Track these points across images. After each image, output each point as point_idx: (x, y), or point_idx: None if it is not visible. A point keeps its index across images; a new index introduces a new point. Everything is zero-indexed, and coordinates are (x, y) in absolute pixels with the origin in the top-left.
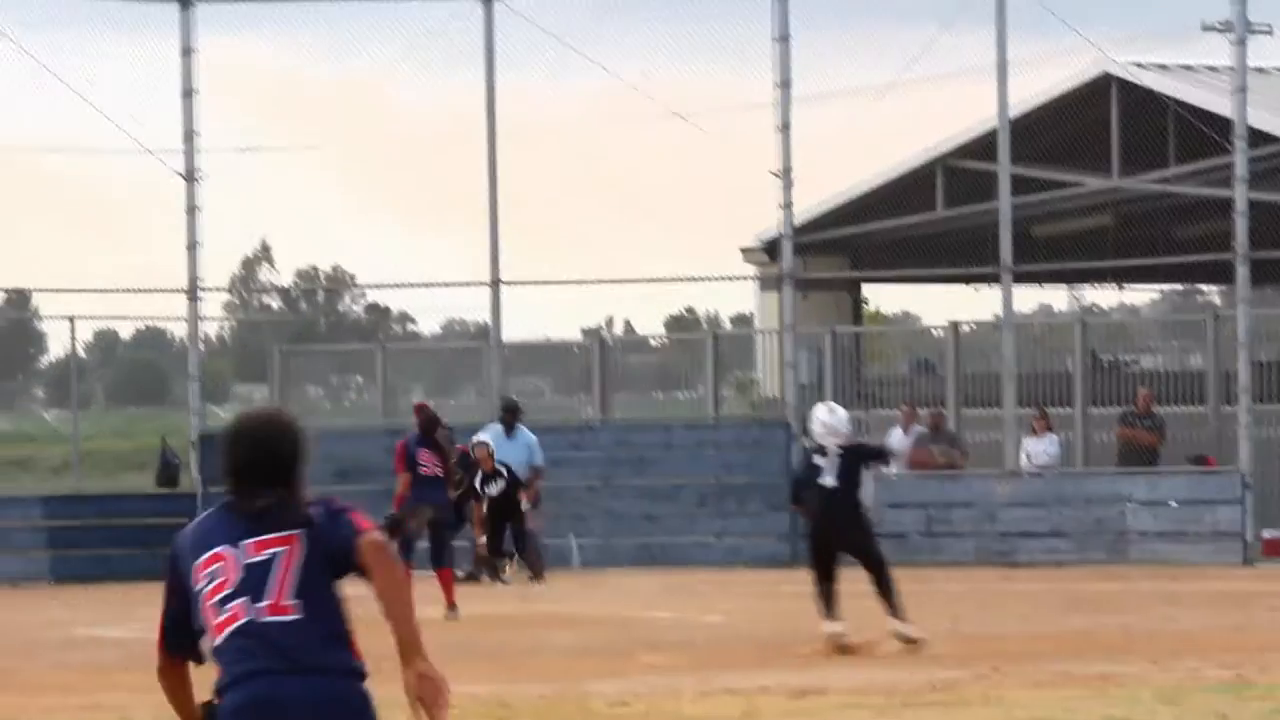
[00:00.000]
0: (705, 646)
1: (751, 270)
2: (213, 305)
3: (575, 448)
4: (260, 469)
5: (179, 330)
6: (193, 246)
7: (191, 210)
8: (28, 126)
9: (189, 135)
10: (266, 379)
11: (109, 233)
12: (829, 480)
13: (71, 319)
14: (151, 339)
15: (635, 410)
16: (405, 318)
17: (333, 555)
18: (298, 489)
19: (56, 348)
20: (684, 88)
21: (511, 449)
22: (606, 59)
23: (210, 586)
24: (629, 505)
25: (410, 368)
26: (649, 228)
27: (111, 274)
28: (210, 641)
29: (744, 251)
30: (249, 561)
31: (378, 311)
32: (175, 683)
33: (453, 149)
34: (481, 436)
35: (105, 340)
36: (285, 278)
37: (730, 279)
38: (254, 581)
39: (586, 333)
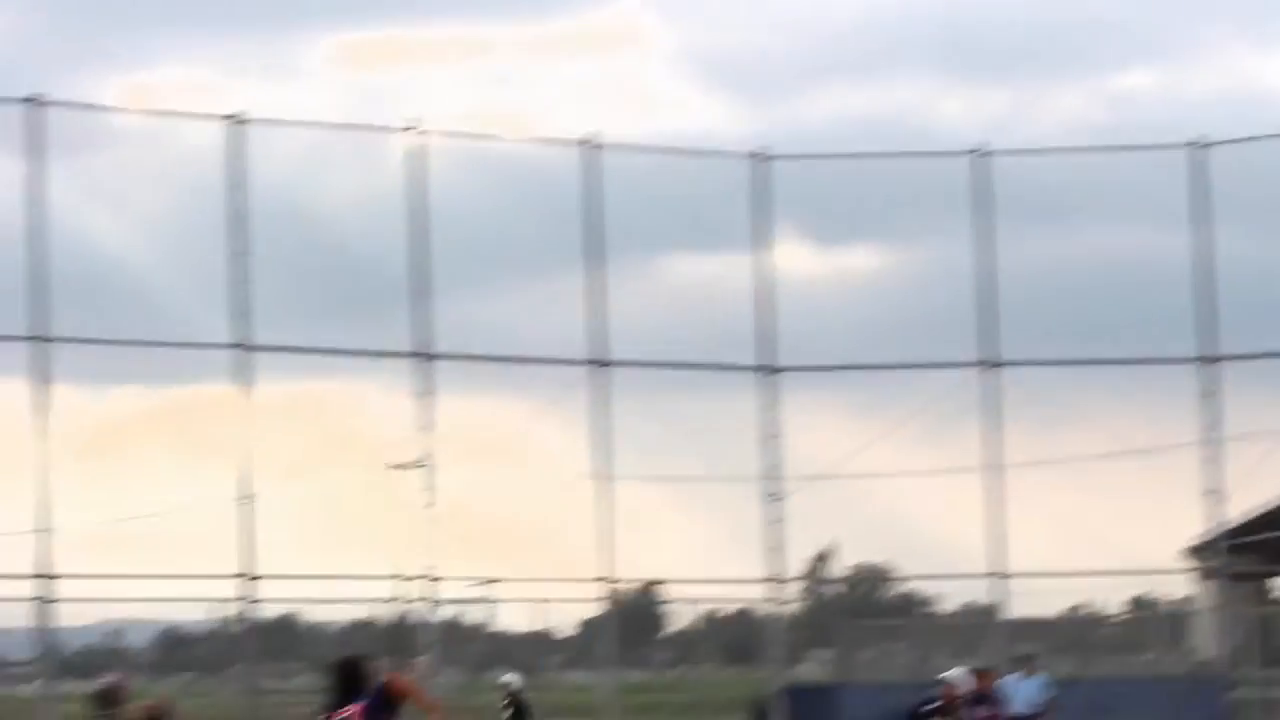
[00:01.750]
0: None
1: (1192, 565)
2: (791, 591)
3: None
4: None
5: (766, 609)
6: (777, 548)
7: (776, 522)
8: None
9: (773, 466)
10: (833, 645)
11: (713, 534)
12: None
13: (689, 602)
14: (747, 616)
15: (1105, 669)
16: (933, 600)
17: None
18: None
19: (678, 622)
20: None
21: (1028, 686)
22: None
23: None
24: None
25: (934, 638)
26: (1117, 530)
27: (715, 567)
28: None
29: (1184, 552)
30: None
31: (911, 598)
32: None
33: None
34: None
35: (713, 617)
36: (844, 570)
37: (1174, 572)
38: None
39: (1068, 610)
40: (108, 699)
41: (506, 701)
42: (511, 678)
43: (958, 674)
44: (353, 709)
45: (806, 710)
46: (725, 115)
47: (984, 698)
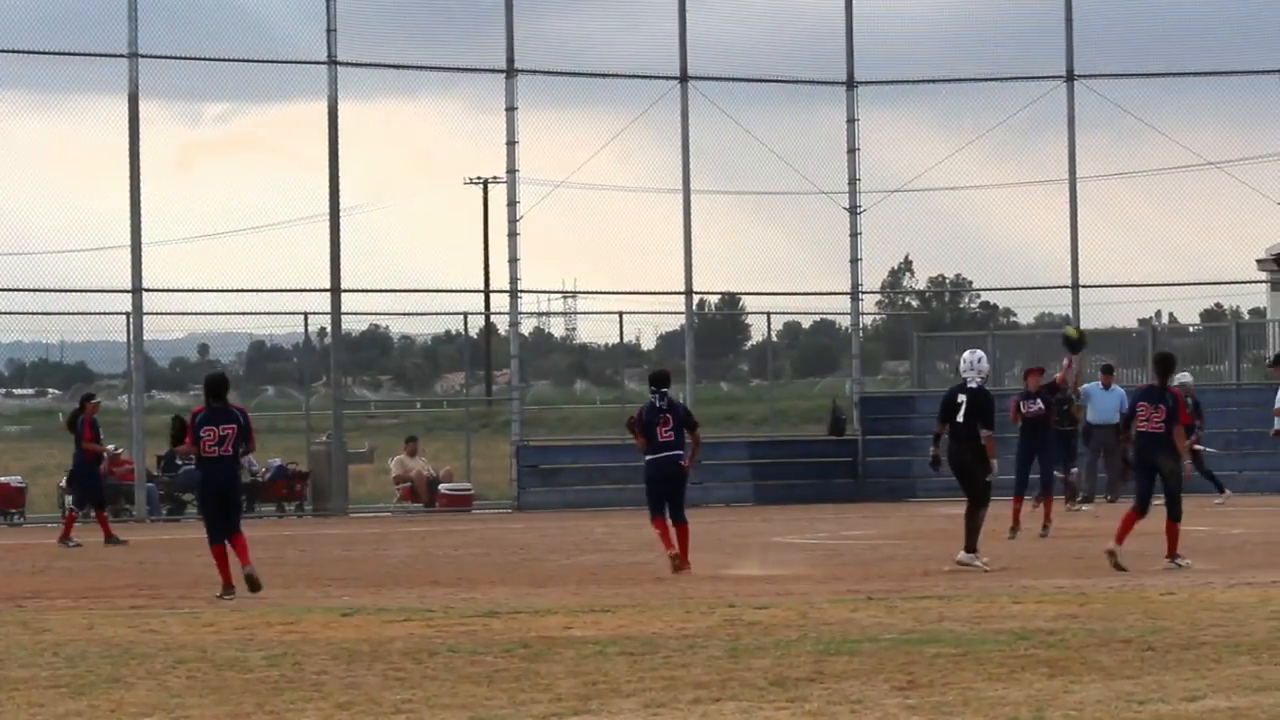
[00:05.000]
0: (1231, 552)
1: (1264, 275)
2: (869, 304)
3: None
4: (218, 393)
5: (844, 321)
6: (855, 260)
7: (854, 235)
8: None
9: (851, 180)
10: (907, 357)
11: (791, 248)
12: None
13: (768, 314)
14: (825, 328)
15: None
16: (1008, 312)
17: (245, 434)
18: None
19: (757, 335)
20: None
21: (1107, 398)
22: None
23: (205, 438)
24: None
25: (1012, 348)
26: (1191, 242)
27: (794, 280)
28: (201, 454)
29: (1259, 261)
30: (221, 433)
31: (988, 308)
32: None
33: None
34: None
35: (791, 329)
36: (921, 283)
37: (1248, 282)
38: (222, 440)
39: (1141, 321)
40: None
41: None
42: None
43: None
44: (231, 429)
45: (882, 418)
46: None
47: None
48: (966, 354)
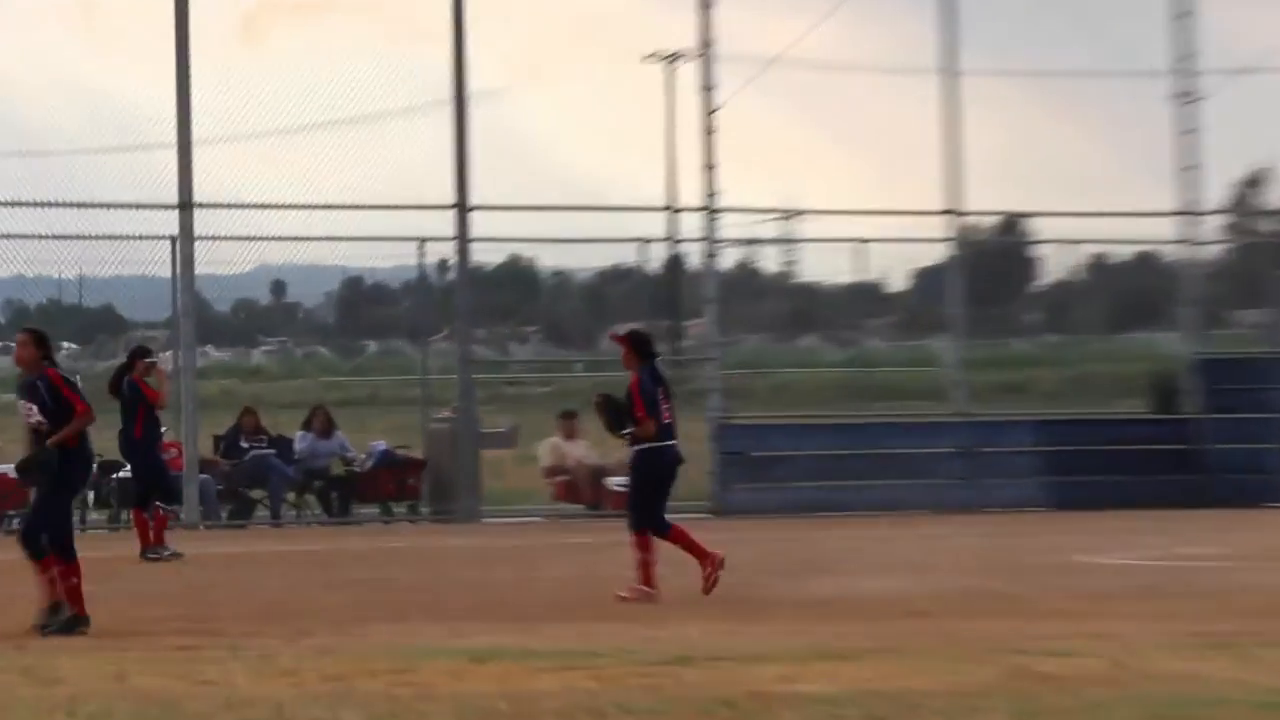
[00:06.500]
0: None
1: None
2: (1210, 229)
3: None
4: None
5: (1174, 253)
6: (1189, 168)
7: (1188, 133)
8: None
9: (1185, 57)
10: (1264, 304)
11: (1096, 152)
12: None
13: (1066, 243)
14: (1147, 262)
15: None
16: None
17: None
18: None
19: (1050, 272)
20: None
21: None
22: None
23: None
24: None
25: None
26: None
27: (1100, 196)
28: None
29: None
30: None
31: None
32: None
33: None
34: None
35: (1099, 265)
36: None
37: None
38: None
39: None
40: None
41: None
42: None
43: None
44: None
45: (1229, 390)
46: None
47: None
48: None
